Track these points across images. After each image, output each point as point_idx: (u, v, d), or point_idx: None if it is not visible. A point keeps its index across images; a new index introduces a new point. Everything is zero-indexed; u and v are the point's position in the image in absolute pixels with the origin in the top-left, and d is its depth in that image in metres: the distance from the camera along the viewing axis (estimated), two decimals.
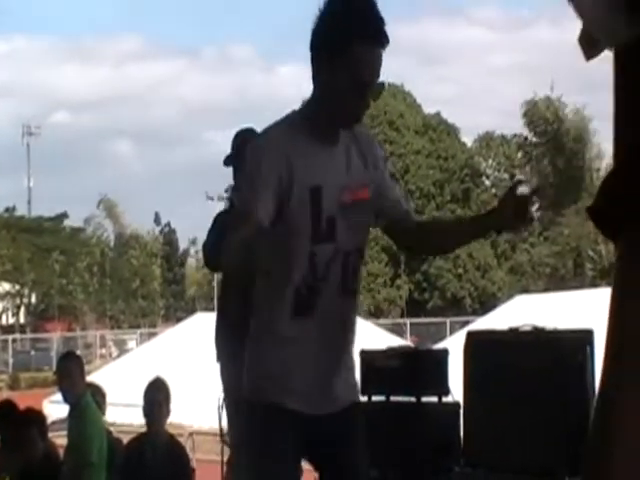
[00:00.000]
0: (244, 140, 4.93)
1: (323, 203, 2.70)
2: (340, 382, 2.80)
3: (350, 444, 2.82)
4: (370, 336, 11.55)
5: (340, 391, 2.80)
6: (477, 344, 5.10)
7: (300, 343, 2.74)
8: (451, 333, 24.50)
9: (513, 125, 49.55)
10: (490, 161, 49.48)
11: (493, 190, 48.52)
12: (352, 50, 2.62)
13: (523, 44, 64.60)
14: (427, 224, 3.18)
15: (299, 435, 2.75)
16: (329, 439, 2.79)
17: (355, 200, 2.76)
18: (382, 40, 2.65)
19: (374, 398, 5.13)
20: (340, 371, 2.79)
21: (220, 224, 4.88)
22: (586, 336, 4.91)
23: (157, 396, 5.53)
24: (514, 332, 5.12)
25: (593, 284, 34.05)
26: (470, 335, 5.24)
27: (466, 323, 23.19)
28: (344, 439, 2.81)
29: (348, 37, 2.62)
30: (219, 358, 4.84)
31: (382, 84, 2.74)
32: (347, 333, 2.83)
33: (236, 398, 4.64)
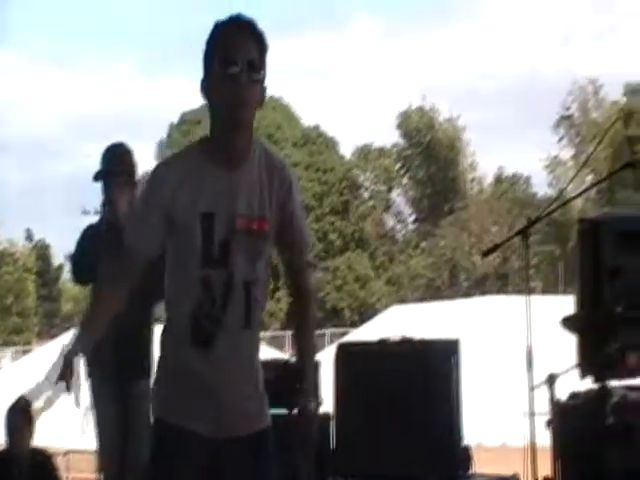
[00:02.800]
0: (114, 155, 4.92)
1: (215, 229, 2.72)
2: (240, 411, 2.79)
3: (245, 472, 2.81)
4: None
5: (240, 419, 2.80)
6: (347, 356, 5.18)
7: (201, 373, 2.75)
8: (330, 344, 24.68)
9: (391, 137, 50.12)
10: (368, 173, 50.06)
11: (371, 202, 49.12)
12: (217, 45, 2.72)
13: (400, 55, 65.53)
14: (296, 314, 3.00)
15: (198, 457, 2.76)
16: (227, 465, 2.79)
17: (252, 229, 2.76)
18: (244, 25, 2.72)
19: None
20: (240, 401, 2.79)
21: (90, 238, 4.84)
22: (452, 346, 5.05)
23: (18, 420, 5.40)
24: (383, 343, 5.23)
25: (467, 294, 34.80)
26: (340, 347, 5.33)
27: (345, 334, 23.37)
28: (239, 467, 2.81)
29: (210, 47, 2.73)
30: (90, 375, 4.80)
31: (264, 87, 2.76)
32: (249, 368, 2.83)
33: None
